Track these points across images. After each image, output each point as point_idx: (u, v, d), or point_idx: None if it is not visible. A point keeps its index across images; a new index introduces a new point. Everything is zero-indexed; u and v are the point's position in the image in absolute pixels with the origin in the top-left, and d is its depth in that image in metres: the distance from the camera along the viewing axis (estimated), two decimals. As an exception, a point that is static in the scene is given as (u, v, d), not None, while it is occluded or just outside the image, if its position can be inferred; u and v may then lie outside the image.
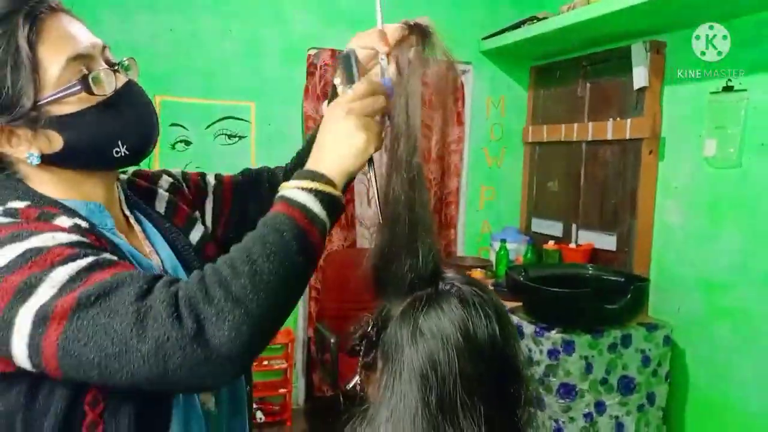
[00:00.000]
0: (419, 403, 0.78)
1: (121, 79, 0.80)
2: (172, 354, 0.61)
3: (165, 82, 2.88)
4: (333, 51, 3.12)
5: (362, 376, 0.88)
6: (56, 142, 0.75)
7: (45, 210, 0.73)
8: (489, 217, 3.58)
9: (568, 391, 2.24)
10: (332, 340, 2.55)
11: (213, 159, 3.00)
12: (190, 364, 0.62)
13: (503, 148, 3.56)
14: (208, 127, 3.01)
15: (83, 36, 0.77)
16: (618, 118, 2.78)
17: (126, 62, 0.82)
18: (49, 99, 0.73)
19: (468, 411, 0.78)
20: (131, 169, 0.96)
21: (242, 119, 3.05)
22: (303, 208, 0.72)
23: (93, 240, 0.72)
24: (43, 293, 0.62)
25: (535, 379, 2.30)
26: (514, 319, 2.46)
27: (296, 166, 1.10)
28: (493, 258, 3.29)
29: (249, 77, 3.02)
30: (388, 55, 0.84)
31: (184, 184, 1.03)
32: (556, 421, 2.26)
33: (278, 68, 3.08)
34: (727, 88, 2.30)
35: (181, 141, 2.96)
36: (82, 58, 0.76)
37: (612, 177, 2.86)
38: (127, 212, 0.89)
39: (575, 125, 3.05)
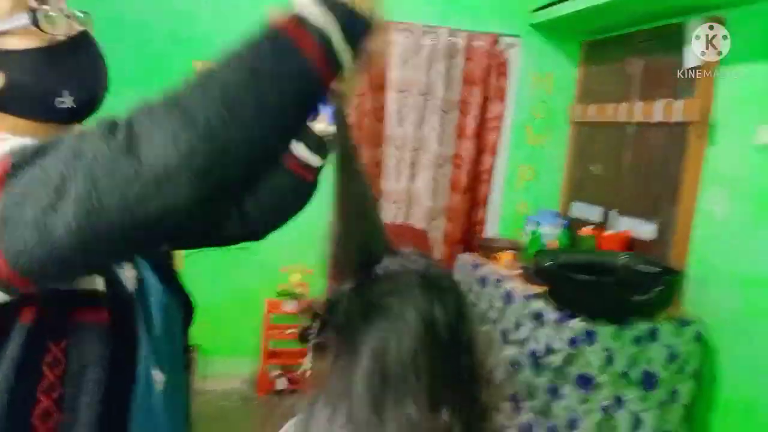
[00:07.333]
0: (363, 383, 0.74)
1: (75, 28, 0.77)
2: (102, 175, 0.52)
3: (205, 47, 2.87)
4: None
5: (313, 358, 0.85)
6: None
7: None
8: (527, 198, 3.47)
9: (585, 381, 2.15)
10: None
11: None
12: (122, 184, 0.52)
13: (547, 127, 3.42)
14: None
15: None
16: (668, 99, 2.60)
17: (81, 14, 0.79)
18: None
19: (412, 390, 0.74)
20: None
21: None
22: (318, 35, 0.57)
23: None
24: None
25: (552, 367, 2.21)
26: (538, 304, 2.38)
27: None
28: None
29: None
30: None
31: None
32: (573, 411, 2.18)
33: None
34: (787, 71, 2.11)
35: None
36: None
37: (657, 162, 2.69)
38: None
39: (623, 105, 2.89)
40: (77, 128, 0.59)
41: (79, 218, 0.52)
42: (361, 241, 0.78)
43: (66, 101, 0.75)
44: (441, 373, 0.75)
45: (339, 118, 0.74)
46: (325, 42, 0.57)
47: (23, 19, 0.71)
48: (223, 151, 0.54)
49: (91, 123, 0.57)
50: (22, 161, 0.55)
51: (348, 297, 0.77)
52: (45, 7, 0.73)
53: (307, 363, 0.86)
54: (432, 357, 0.74)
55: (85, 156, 0.53)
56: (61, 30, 0.75)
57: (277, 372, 3.12)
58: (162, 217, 0.54)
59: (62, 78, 0.75)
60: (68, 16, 0.76)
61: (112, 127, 0.54)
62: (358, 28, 0.60)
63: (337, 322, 0.78)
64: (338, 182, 0.75)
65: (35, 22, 0.72)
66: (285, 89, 0.56)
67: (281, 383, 3.06)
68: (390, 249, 0.81)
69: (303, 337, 0.90)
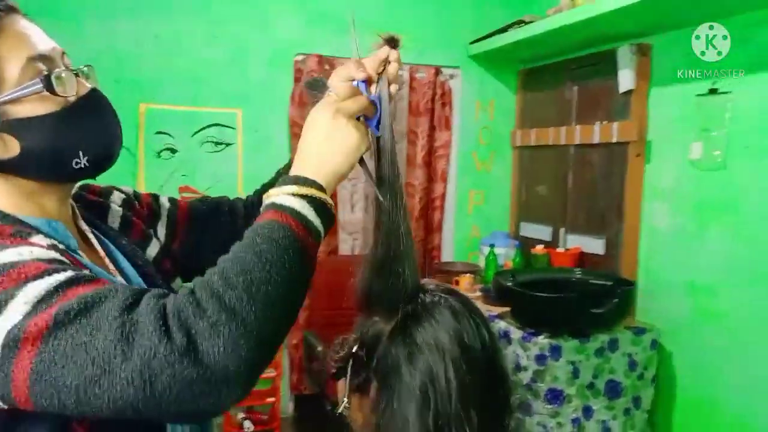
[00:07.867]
0: (416, 423, 0.74)
1: (85, 86, 0.77)
2: (160, 373, 0.54)
3: (150, 89, 2.87)
4: (320, 57, 3.11)
5: (352, 399, 0.85)
6: (13, 147, 0.70)
7: (19, 228, 0.68)
8: (478, 221, 3.57)
9: (555, 396, 2.22)
10: (319, 349, 2.54)
11: (199, 167, 2.98)
12: (182, 385, 0.55)
13: (492, 153, 3.55)
14: (195, 134, 2.99)
15: (43, 38, 0.74)
16: (605, 122, 2.77)
17: (85, 69, 0.79)
18: (7, 98, 0.69)
19: (463, 424, 0.75)
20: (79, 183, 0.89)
21: (229, 126, 3.03)
22: (298, 216, 0.67)
23: (72, 261, 0.68)
24: (14, 311, 0.56)
25: (522, 384, 2.28)
26: (502, 324, 2.45)
27: (260, 199, 1.08)
28: (482, 263, 3.27)
29: (235, 84, 3.01)
30: (368, 82, 0.83)
31: (136, 202, 0.97)
32: (545, 426, 2.25)
33: (265, 74, 3.07)
34: (713, 91, 2.29)
35: (167, 149, 2.94)
36: (43, 59, 0.72)
37: (600, 180, 2.85)
38: (85, 228, 0.83)
39: (563, 129, 3.04)
40: (121, 289, 0.60)
41: (129, 398, 0.55)
42: (398, 277, 0.80)
43: (82, 162, 0.75)
44: (488, 405, 0.78)
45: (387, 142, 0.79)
46: (318, 236, 0.70)
47: (36, 85, 0.70)
48: (271, 347, 0.62)
49: (128, 291, 0.61)
50: (65, 318, 0.56)
51: (388, 335, 0.79)
52: (56, 69, 0.72)
53: (344, 402, 0.86)
54: (477, 390, 0.77)
55: (138, 347, 0.55)
56: (72, 90, 0.74)
57: (242, 414, 3.05)
58: (207, 410, 0.59)
59: (78, 140, 0.74)
60: (76, 74, 0.76)
61: (163, 322, 0.56)
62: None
63: (378, 361, 0.79)
64: (381, 209, 0.78)
65: (49, 87, 0.71)
66: (305, 281, 0.67)
67: (248, 425, 2.99)
68: (420, 284, 0.83)
69: (339, 374, 0.90)
